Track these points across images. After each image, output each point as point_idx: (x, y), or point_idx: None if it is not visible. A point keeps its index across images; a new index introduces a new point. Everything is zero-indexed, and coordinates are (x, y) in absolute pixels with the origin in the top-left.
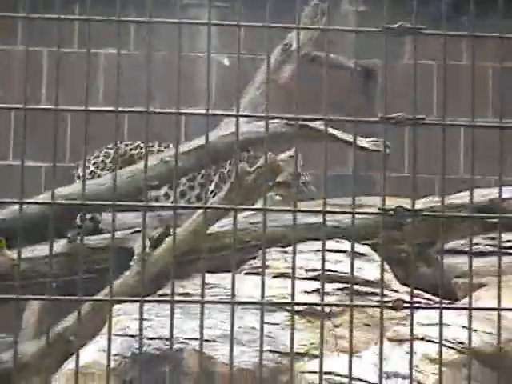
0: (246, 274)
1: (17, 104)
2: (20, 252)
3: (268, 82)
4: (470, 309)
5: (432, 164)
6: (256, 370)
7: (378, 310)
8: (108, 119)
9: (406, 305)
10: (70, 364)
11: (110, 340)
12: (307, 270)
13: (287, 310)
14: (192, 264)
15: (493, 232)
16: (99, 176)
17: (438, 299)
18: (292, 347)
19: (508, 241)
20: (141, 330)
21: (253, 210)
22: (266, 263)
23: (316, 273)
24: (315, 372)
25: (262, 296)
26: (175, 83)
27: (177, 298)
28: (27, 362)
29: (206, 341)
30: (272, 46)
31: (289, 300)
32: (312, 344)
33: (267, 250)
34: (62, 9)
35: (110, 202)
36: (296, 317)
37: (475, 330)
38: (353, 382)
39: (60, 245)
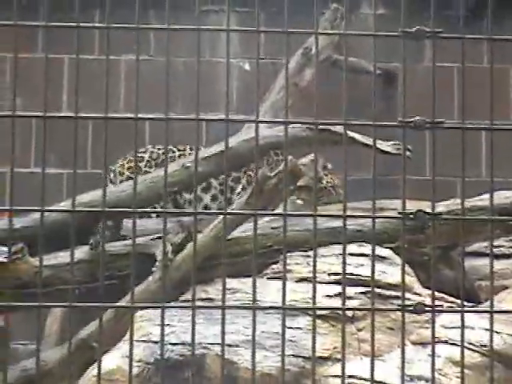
0: (268, 278)
1: (37, 111)
2: (41, 259)
3: (287, 87)
4: (491, 311)
5: (454, 166)
6: (279, 374)
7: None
8: (129, 125)
9: (427, 308)
10: (93, 370)
11: (131, 346)
12: (330, 274)
13: (310, 315)
14: (214, 269)
15: None
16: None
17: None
18: (314, 352)
19: None
20: (162, 335)
21: (273, 215)
22: (289, 267)
23: (338, 277)
24: (339, 376)
25: (283, 301)
26: (196, 88)
27: (199, 303)
28: (50, 369)
29: (229, 346)
30: (293, 50)
31: (311, 305)
32: (335, 348)
33: (290, 254)
34: (82, 14)
35: (131, 209)
36: (319, 321)
37: (498, 333)
38: None
39: (83, 251)
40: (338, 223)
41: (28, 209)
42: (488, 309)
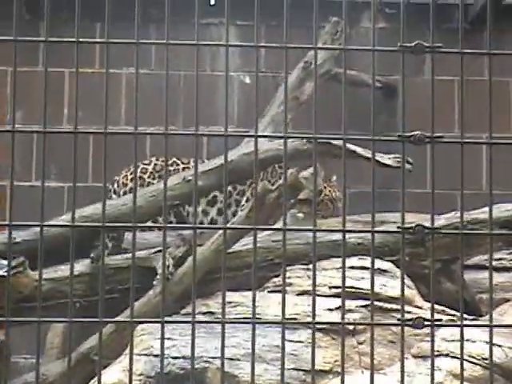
0: (269, 292)
1: (38, 125)
2: (41, 274)
3: (286, 101)
4: (490, 326)
5: (454, 179)
6: None
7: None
8: (129, 138)
9: (426, 323)
10: None
11: (131, 360)
12: (330, 287)
13: (311, 328)
14: (215, 282)
15: None
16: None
17: None
18: (313, 366)
19: None
20: (162, 350)
21: (272, 230)
22: (290, 281)
23: (339, 290)
24: None
25: (283, 315)
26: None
27: (200, 316)
28: (52, 382)
29: (230, 359)
30: (293, 63)
31: (311, 318)
32: (336, 361)
33: (290, 267)
34: (83, 27)
35: (130, 224)
36: (320, 334)
37: (500, 346)
38: None
39: (84, 264)
40: (339, 236)
41: (27, 224)
42: (487, 323)
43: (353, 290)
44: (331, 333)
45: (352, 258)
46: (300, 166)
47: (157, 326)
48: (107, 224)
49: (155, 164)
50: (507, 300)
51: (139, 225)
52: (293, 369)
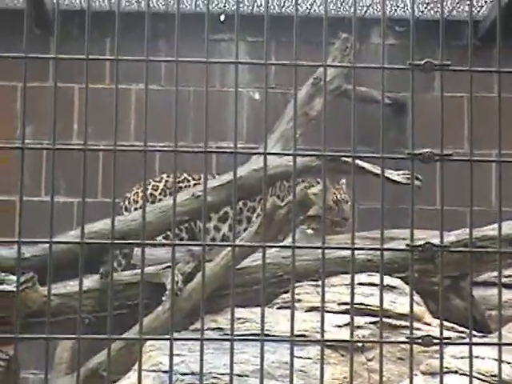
0: (278, 308)
1: (47, 141)
2: (50, 290)
3: (295, 118)
4: (499, 344)
5: (464, 195)
6: None
7: None
8: (139, 154)
9: (435, 341)
10: None
11: (140, 376)
12: (339, 304)
13: (319, 345)
14: (224, 298)
15: None
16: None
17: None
18: (322, 383)
19: None
20: (171, 368)
21: (281, 247)
22: (299, 297)
23: (348, 306)
24: None
25: (292, 332)
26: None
27: (209, 332)
28: None
29: (239, 376)
30: (303, 79)
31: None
32: (345, 378)
33: (300, 283)
34: (93, 42)
35: (139, 241)
36: (329, 351)
37: (509, 363)
38: None
39: (93, 280)
40: (348, 252)
41: (36, 241)
42: (496, 340)
43: (362, 306)
44: (340, 349)
45: (361, 274)
46: (308, 181)
47: (166, 342)
48: (116, 241)
49: (166, 181)
50: None
51: (148, 242)
52: None
